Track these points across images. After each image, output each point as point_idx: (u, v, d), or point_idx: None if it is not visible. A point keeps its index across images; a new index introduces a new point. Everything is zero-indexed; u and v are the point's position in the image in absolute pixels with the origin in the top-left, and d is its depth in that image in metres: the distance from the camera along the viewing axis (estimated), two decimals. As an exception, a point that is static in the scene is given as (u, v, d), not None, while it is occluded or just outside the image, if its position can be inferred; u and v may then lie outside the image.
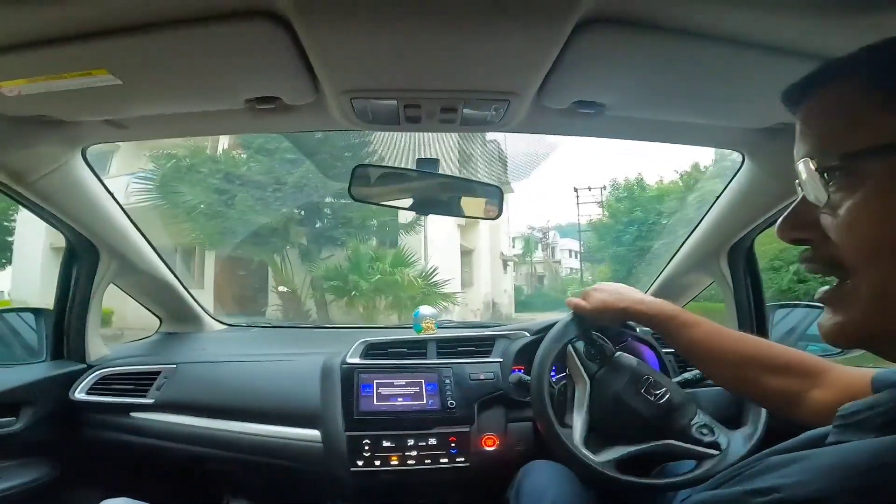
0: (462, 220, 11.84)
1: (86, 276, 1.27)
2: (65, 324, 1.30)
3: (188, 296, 1.56)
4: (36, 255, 13.35)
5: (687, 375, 1.08)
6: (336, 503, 1.36)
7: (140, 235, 1.31)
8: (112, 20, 0.61)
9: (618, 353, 1.01)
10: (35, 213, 1.11)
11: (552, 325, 1.05)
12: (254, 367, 1.35)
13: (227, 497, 1.45)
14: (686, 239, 1.36)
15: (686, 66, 0.75)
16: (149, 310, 1.60)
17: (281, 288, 9.52)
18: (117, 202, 1.20)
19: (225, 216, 8.66)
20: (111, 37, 0.63)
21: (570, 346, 1.00)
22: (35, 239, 13.36)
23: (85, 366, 1.32)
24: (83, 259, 1.27)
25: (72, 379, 1.29)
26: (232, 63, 0.73)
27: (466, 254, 12.53)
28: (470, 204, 1.08)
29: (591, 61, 0.73)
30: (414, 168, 1.03)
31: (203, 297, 9.58)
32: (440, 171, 1.04)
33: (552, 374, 1.19)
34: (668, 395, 0.94)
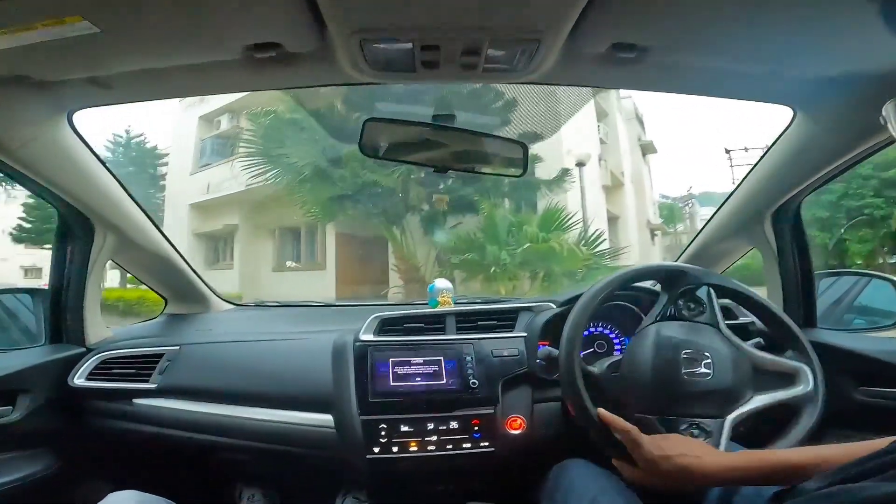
0: (607, 180, 11.23)
1: (81, 253, 1.19)
2: (62, 304, 1.22)
3: (193, 274, 1.49)
4: (181, 243, 13.87)
5: None
6: (350, 492, 1.30)
7: (138, 208, 1.23)
8: None
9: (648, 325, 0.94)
10: (21, 183, 1.03)
11: (579, 296, 0.97)
12: (261, 347, 1.28)
13: (240, 487, 1.39)
14: (724, 202, 1.26)
15: (738, 3, 0.66)
16: (153, 289, 1.53)
17: (400, 265, 8.30)
18: (110, 171, 1.12)
19: (335, 179, 7.78)
20: None
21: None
22: (178, 225, 13.17)
23: (84, 349, 1.25)
24: (77, 234, 1.19)
25: (71, 364, 1.22)
26: (227, 2, 0.64)
27: (612, 220, 11.45)
28: (492, 160, 1.01)
29: None
30: (429, 122, 0.95)
31: (325, 279, 9.13)
32: (456, 126, 0.96)
33: (598, 328, 1.12)
34: (715, 374, 0.87)
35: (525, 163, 1.00)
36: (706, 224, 1.34)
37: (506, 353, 1.18)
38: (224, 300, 1.63)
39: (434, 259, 8.05)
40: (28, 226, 18.86)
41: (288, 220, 10.87)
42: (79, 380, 1.20)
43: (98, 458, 1.29)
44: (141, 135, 16.37)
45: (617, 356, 0.97)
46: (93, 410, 1.23)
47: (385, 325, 1.23)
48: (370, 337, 1.20)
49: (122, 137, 16.16)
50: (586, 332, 1.22)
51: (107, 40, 0.69)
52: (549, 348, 1.10)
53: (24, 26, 0.65)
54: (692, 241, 1.39)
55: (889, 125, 0.68)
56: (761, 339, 0.98)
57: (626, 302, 1.23)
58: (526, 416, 1.13)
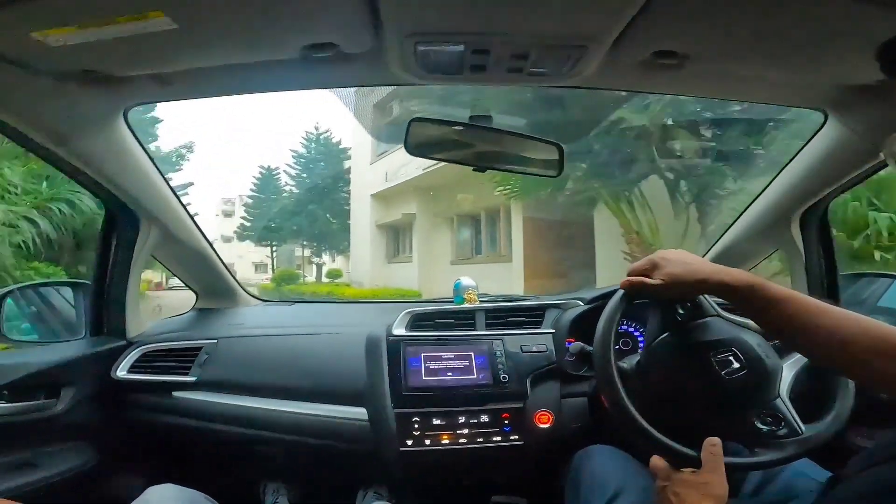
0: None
1: (125, 246, 1.23)
2: (104, 297, 1.26)
3: (224, 269, 1.52)
4: (364, 233, 13.42)
5: None
6: (371, 488, 1.32)
7: (179, 203, 1.27)
8: None
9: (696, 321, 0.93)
10: (73, 177, 1.07)
11: (609, 294, 0.99)
12: (295, 341, 1.31)
13: (264, 482, 1.42)
14: (751, 203, 1.28)
15: (778, 11, 0.68)
16: (186, 284, 1.56)
17: (638, 251, 6.14)
18: (157, 168, 1.15)
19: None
20: None
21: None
22: (362, 217, 13.45)
23: (125, 342, 1.28)
24: (123, 227, 1.22)
25: (113, 356, 1.25)
26: (292, 1, 0.67)
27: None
28: (528, 160, 1.04)
29: (681, 7, 0.67)
30: (469, 123, 0.98)
31: (510, 272, 8.12)
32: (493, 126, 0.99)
33: (626, 326, 1.14)
34: (742, 372, 0.86)
35: (561, 163, 1.02)
36: (732, 224, 1.36)
37: (534, 349, 1.20)
38: (251, 296, 1.66)
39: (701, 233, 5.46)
40: (248, 224, 21.21)
41: (466, 206, 10.31)
42: (121, 372, 1.23)
43: (134, 452, 1.32)
44: (327, 130, 17.52)
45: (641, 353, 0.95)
46: (133, 403, 1.26)
47: (416, 321, 1.25)
48: (402, 332, 1.22)
49: (312, 134, 17.40)
50: None
51: (180, 37, 0.71)
52: (581, 344, 1.12)
53: (103, 21, 0.67)
54: (716, 242, 1.41)
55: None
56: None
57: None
58: (554, 410, 1.15)
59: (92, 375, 1.20)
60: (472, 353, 1.20)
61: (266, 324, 1.44)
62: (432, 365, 1.18)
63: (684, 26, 0.74)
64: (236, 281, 1.59)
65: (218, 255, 1.48)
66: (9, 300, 1.19)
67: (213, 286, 1.55)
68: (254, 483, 1.42)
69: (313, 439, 1.18)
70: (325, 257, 19.84)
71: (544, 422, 1.14)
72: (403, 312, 1.26)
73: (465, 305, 1.37)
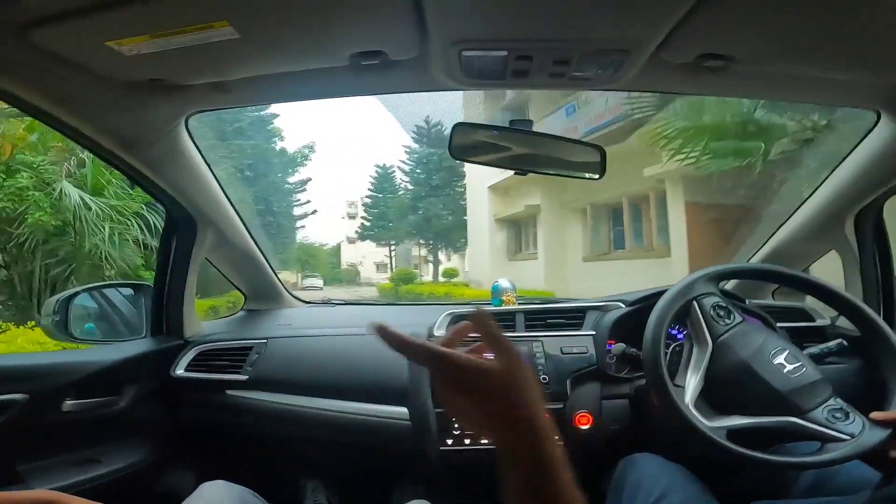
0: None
1: (184, 250, 1.29)
2: (164, 298, 1.32)
3: (271, 272, 1.58)
4: (483, 229, 12.78)
5: (812, 350, 0.97)
6: (408, 487, 1.34)
7: (232, 208, 1.33)
8: None
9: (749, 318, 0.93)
10: (138, 182, 1.14)
11: (652, 296, 0.98)
12: (341, 341, 1.34)
13: (305, 479, 1.45)
14: (802, 203, 1.25)
15: (828, 11, 0.67)
16: (236, 286, 1.63)
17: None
18: (213, 173, 1.22)
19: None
20: None
21: (695, 303, 0.92)
22: (479, 211, 12.84)
23: (182, 341, 1.34)
24: (182, 231, 1.29)
25: (171, 355, 1.30)
26: (344, 8, 0.71)
27: None
28: (570, 163, 1.05)
29: (727, 11, 0.67)
30: (511, 127, 1.00)
31: (667, 268, 7.04)
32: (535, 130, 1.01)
33: (672, 329, 1.11)
34: (804, 370, 0.85)
35: (603, 166, 1.02)
36: (782, 225, 1.33)
37: (575, 351, 1.20)
38: (296, 298, 1.72)
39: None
40: (367, 224, 21.79)
41: (602, 194, 8.93)
42: (180, 370, 1.29)
43: (188, 449, 1.36)
44: (438, 123, 16.99)
45: (695, 372, 0.92)
46: (188, 401, 1.31)
47: (457, 322, 1.27)
48: (443, 333, 1.24)
49: (423, 127, 17.17)
50: None
51: (241, 46, 0.76)
52: (624, 346, 1.12)
53: (171, 31, 0.71)
54: (765, 242, 1.38)
55: None
56: None
57: None
58: (594, 411, 1.14)
59: (152, 373, 1.25)
60: None
61: (311, 325, 1.49)
62: None
63: (730, 29, 0.74)
64: (281, 284, 1.66)
65: (267, 260, 1.54)
66: (76, 300, 1.25)
67: (260, 288, 1.62)
68: (296, 481, 1.46)
69: (355, 436, 1.21)
70: (442, 255, 19.53)
71: (584, 423, 1.13)
72: (444, 314, 1.28)
73: (505, 307, 1.38)
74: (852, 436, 0.80)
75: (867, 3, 0.65)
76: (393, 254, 22.81)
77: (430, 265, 19.68)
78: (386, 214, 20.75)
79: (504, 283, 1.49)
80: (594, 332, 1.23)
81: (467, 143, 1.00)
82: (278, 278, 1.63)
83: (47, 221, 5.40)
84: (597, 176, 1.03)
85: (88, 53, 0.76)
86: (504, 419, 0.45)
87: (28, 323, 4.25)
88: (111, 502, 0.82)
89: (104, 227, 5.56)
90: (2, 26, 0.66)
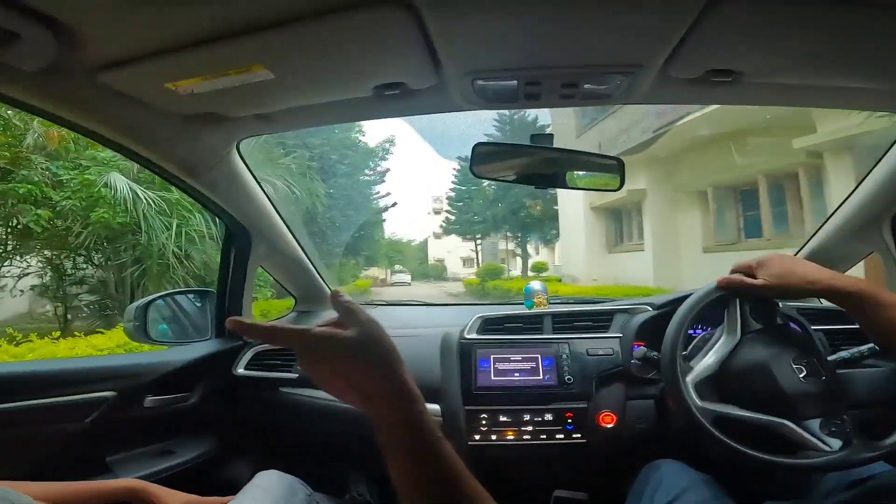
0: None
1: (242, 260, 1.43)
2: (226, 303, 1.46)
3: (318, 276, 1.70)
4: (576, 219, 11.88)
5: (843, 354, 0.97)
6: None
7: (282, 220, 1.45)
8: (268, 15, 0.69)
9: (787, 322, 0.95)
10: (202, 203, 1.29)
11: (679, 299, 1.00)
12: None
13: (348, 472, 1.54)
14: (841, 203, 1.22)
15: (838, 28, 0.68)
16: (287, 290, 1.77)
17: None
18: (264, 191, 1.35)
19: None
20: (266, 32, 0.71)
21: (738, 299, 0.93)
22: (572, 200, 11.80)
23: (242, 342, 1.46)
24: (239, 243, 1.43)
25: (233, 355, 1.43)
26: (365, 50, 0.79)
27: None
28: (590, 177, 1.09)
29: (729, 28, 0.69)
30: (530, 144, 1.05)
31: None
32: (555, 146, 1.05)
33: (696, 330, 1.15)
34: (821, 380, 0.86)
35: (622, 178, 1.05)
36: (822, 225, 1.30)
37: (601, 352, 1.24)
38: None
39: None
40: (452, 218, 21.45)
41: (727, 174, 7.97)
42: (240, 369, 1.42)
43: (246, 441, 1.48)
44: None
45: (712, 356, 0.95)
46: (247, 397, 1.43)
47: (487, 325, 1.33)
48: (474, 335, 1.31)
49: (505, 115, 17.06)
50: None
51: (277, 84, 0.86)
52: (645, 349, 1.15)
53: (217, 73, 0.83)
54: (807, 243, 1.35)
55: None
56: None
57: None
58: (618, 411, 1.18)
59: (217, 372, 1.39)
60: (539, 356, 1.26)
61: None
62: (501, 366, 1.25)
63: (736, 45, 0.75)
64: (328, 286, 1.78)
65: (314, 265, 1.66)
66: (152, 306, 1.40)
67: (308, 291, 1.74)
68: (341, 472, 1.54)
69: None
70: (531, 249, 18.87)
71: (608, 422, 1.17)
72: (476, 317, 1.34)
73: (535, 310, 1.43)
74: (833, 451, 0.81)
75: (876, 13, 0.65)
76: (479, 248, 22.40)
77: (519, 259, 19.01)
78: (470, 207, 20.15)
79: (536, 285, 1.55)
80: (621, 335, 1.26)
81: (488, 162, 1.06)
82: (325, 282, 1.76)
83: (110, 219, 5.38)
84: (616, 187, 1.07)
85: (150, 93, 0.89)
86: (362, 382, 0.48)
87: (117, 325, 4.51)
88: (182, 489, 0.96)
89: (171, 224, 5.65)
90: (75, 69, 0.78)
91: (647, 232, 9.57)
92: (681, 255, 8.92)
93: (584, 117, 10.40)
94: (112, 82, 0.83)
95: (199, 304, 1.54)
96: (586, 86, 0.87)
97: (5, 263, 5.95)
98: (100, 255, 6.19)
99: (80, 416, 1.08)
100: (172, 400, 1.26)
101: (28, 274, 6.28)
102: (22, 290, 6.32)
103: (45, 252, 6.17)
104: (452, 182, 20.87)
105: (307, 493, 0.97)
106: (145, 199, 5.49)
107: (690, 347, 1.00)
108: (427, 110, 1.04)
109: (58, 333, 4.43)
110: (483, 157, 1.05)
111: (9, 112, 5.14)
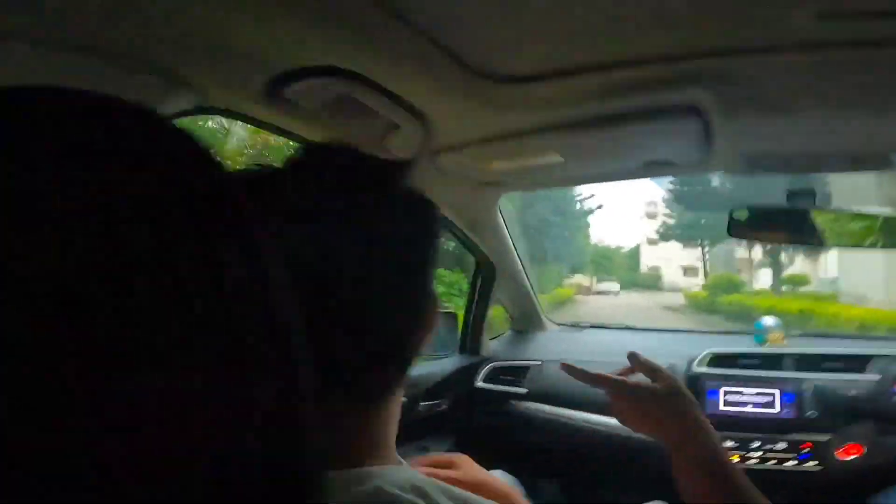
0: None
1: (486, 288, 1.69)
2: (470, 324, 1.71)
3: (536, 301, 1.89)
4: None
5: None
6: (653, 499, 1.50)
7: (516, 254, 1.67)
8: (572, 115, 0.87)
9: None
10: (465, 245, 1.57)
11: None
12: (601, 368, 1.57)
13: (550, 478, 1.66)
14: None
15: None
16: (507, 311, 1.97)
17: None
18: (508, 231, 1.59)
19: None
20: (566, 130, 0.90)
21: None
22: (850, 193, 9.99)
23: (480, 358, 1.68)
24: (486, 274, 1.69)
25: (475, 370, 1.64)
26: (647, 142, 0.95)
27: None
28: (853, 234, 1.07)
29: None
30: (787, 205, 1.06)
31: None
32: (816, 203, 1.04)
33: None
34: None
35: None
36: None
37: (853, 392, 1.20)
38: (549, 321, 2.00)
39: None
40: (670, 222, 18.99)
41: None
42: (480, 382, 1.63)
43: (478, 445, 1.63)
44: None
45: None
46: (482, 408, 1.62)
47: (717, 360, 1.37)
48: (703, 370, 1.35)
49: None
50: None
51: (562, 166, 1.09)
52: None
53: (522, 158, 1.06)
54: None
55: None
56: None
57: None
58: (865, 445, 1.16)
59: (463, 384, 1.60)
60: (778, 392, 1.25)
61: (572, 350, 1.73)
62: (731, 398, 1.29)
63: None
64: (541, 309, 1.98)
65: (534, 291, 1.87)
66: None
67: (526, 314, 1.93)
68: (547, 478, 1.68)
69: (610, 450, 1.38)
70: (783, 257, 16.00)
71: (850, 454, 1.16)
72: (705, 352, 1.39)
73: (771, 348, 1.42)
74: None
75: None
76: (706, 256, 19.70)
77: (769, 269, 15.86)
78: (695, 209, 17.36)
79: (769, 321, 1.52)
80: (879, 377, 1.21)
81: (746, 226, 1.11)
82: (539, 305, 1.95)
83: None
84: (878, 247, 1.06)
85: (468, 173, 1.17)
86: (664, 421, 0.63)
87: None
88: None
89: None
90: (424, 153, 0.98)
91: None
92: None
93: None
94: (444, 164, 1.09)
95: (443, 323, 1.84)
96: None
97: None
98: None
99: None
100: (434, 405, 1.50)
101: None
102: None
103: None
104: (670, 182, 17.96)
105: (523, 493, 1.05)
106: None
107: None
108: (685, 174, 1.19)
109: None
110: (740, 221, 1.10)
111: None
